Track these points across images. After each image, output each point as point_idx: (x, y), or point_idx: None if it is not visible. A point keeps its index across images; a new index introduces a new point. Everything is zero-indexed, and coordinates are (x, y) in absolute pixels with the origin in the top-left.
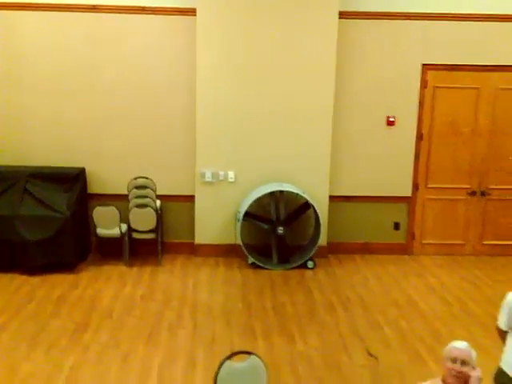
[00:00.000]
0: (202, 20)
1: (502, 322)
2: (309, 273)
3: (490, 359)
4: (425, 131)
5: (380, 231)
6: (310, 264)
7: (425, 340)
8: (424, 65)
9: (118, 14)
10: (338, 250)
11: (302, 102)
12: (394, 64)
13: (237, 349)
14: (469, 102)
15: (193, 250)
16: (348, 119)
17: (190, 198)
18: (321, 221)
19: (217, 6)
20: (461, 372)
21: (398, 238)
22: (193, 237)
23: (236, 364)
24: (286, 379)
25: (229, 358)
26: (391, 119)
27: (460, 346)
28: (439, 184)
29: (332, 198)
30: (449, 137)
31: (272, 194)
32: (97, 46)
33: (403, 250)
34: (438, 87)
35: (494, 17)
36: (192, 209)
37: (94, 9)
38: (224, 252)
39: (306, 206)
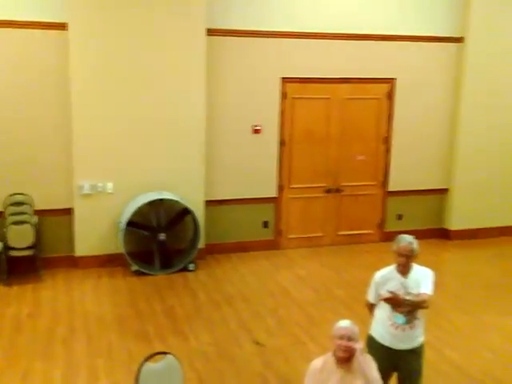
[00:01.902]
0: (74, 34)
1: (371, 297)
2: (191, 275)
3: None
4: (286, 138)
5: (251, 230)
6: (191, 266)
7: (301, 324)
8: (283, 78)
9: None
10: (215, 250)
11: (177, 114)
12: (258, 77)
13: (135, 354)
14: (321, 111)
15: (74, 262)
16: (219, 128)
17: (68, 211)
18: (199, 226)
19: (88, 20)
20: (348, 346)
21: (268, 234)
22: (72, 250)
23: (154, 365)
24: (187, 375)
25: (147, 359)
26: (257, 128)
27: (345, 325)
28: (300, 184)
29: (208, 203)
30: (306, 142)
31: (152, 202)
32: None
33: (272, 245)
34: (295, 98)
35: (339, 35)
36: (70, 222)
37: None
38: (106, 262)
39: (185, 211)
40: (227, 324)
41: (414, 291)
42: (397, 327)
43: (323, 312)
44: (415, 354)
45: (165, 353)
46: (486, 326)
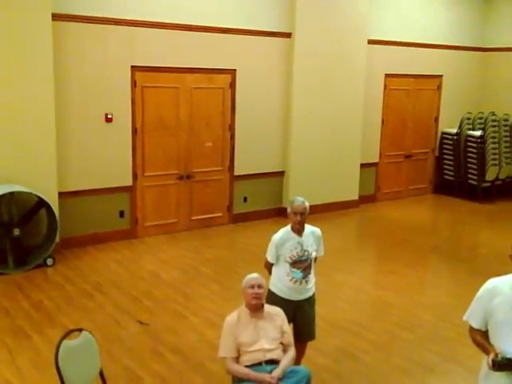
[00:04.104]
0: None
1: (270, 257)
2: (50, 270)
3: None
4: (138, 126)
5: (107, 220)
6: (49, 261)
7: (178, 301)
8: (133, 66)
9: None
10: (71, 244)
11: (22, 103)
12: (108, 66)
13: (15, 349)
14: (171, 100)
15: None
16: (70, 118)
17: None
18: (56, 218)
19: None
20: (259, 293)
21: (124, 224)
22: None
23: (71, 342)
24: None
25: (64, 337)
26: (109, 116)
27: (254, 275)
28: (154, 172)
29: (61, 195)
30: (158, 130)
31: (2, 196)
32: None
33: (129, 234)
34: (145, 86)
35: (185, 26)
36: None
37: None
38: None
39: (40, 204)
40: (104, 310)
41: (309, 248)
42: (295, 282)
43: (195, 288)
44: (310, 302)
45: (80, 330)
46: (338, 283)
